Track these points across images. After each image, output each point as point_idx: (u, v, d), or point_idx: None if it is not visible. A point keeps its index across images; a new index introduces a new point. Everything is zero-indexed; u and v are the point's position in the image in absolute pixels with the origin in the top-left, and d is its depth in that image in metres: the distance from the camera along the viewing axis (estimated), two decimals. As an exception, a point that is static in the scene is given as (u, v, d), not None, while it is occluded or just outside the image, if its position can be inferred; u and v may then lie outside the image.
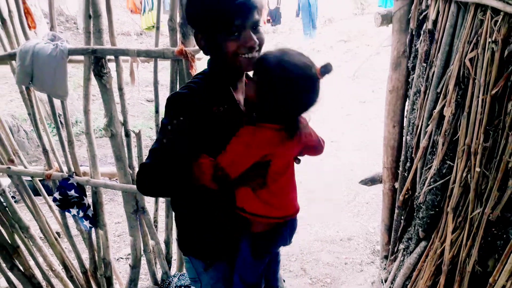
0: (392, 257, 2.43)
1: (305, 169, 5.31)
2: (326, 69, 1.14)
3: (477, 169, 1.59)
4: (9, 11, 2.23)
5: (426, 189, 1.92)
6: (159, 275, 2.90)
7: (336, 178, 5.08)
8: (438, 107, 1.83)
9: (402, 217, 2.29)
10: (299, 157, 1.35)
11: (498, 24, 1.44)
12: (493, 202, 1.53)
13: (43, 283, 2.96)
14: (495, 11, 1.46)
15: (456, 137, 1.74)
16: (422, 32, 1.93)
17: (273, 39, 13.66)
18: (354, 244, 3.74)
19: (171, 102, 1.21)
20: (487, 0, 1.48)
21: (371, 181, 2.56)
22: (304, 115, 1.22)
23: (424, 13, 1.91)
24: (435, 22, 1.83)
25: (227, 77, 1.27)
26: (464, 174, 1.69)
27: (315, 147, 1.34)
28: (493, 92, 1.49)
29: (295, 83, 1.10)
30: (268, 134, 1.16)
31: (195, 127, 1.16)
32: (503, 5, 1.40)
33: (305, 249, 3.67)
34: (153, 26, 6.88)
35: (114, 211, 4.54)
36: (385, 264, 2.55)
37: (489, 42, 1.49)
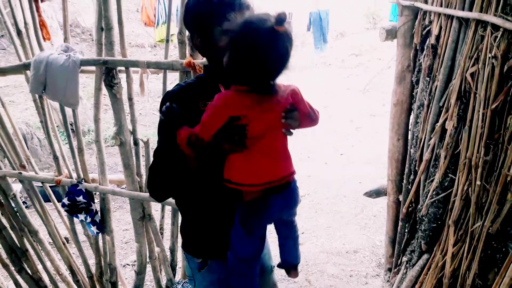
0: (395, 270, 2.43)
1: (313, 181, 5.37)
2: (280, 17, 1.10)
3: (478, 182, 1.60)
4: (25, 23, 2.31)
5: (429, 201, 1.93)
6: (163, 282, 2.92)
7: (344, 190, 5.07)
8: (440, 121, 1.85)
9: (406, 230, 2.30)
10: (291, 130, 1.28)
11: (497, 39, 1.46)
12: (492, 215, 1.53)
13: (50, 287, 3.01)
14: (495, 27, 1.49)
15: (458, 150, 1.75)
16: (425, 47, 1.96)
17: (284, 53, 13.76)
18: (360, 256, 3.72)
19: (162, 99, 1.30)
20: (487, 17, 1.50)
21: (376, 193, 2.57)
22: (283, 79, 1.20)
23: (427, 29, 1.94)
24: (438, 37, 1.86)
25: (219, 75, 1.30)
26: (465, 188, 1.70)
27: (306, 115, 1.30)
28: (493, 106, 1.51)
29: (251, 37, 1.09)
30: (236, 96, 1.15)
31: (184, 121, 1.21)
32: (502, 21, 1.42)
33: (311, 261, 3.66)
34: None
35: (123, 218, 4.60)
36: (389, 277, 2.55)
37: (489, 57, 1.51)
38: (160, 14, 7.31)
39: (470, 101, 1.66)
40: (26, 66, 2.34)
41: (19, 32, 2.31)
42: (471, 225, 1.68)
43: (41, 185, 2.75)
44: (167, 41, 2.33)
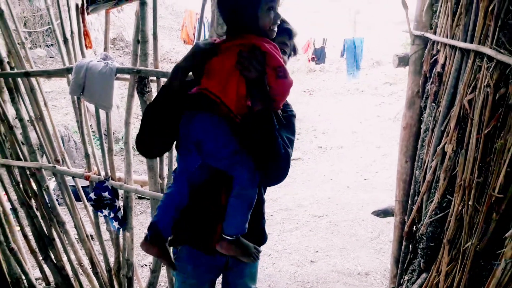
0: (395, 286, 2.48)
1: (333, 203, 5.43)
2: None
3: (470, 203, 1.68)
4: (71, 32, 2.59)
5: (427, 221, 2.01)
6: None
7: (363, 214, 5.11)
8: (441, 144, 1.94)
9: (409, 250, 2.36)
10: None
11: (491, 69, 1.57)
12: (479, 234, 1.61)
13: (72, 277, 3.22)
14: (490, 58, 1.60)
15: (455, 172, 1.84)
16: (432, 75, 2.07)
17: (319, 77, 13.98)
18: (371, 279, 3.75)
19: (189, 52, 1.46)
20: (483, 48, 1.61)
21: (384, 213, 2.65)
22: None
23: (435, 57, 2.06)
24: (443, 66, 1.97)
25: None
26: (460, 208, 1.78)
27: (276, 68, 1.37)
28: (486, 131, 1.60)
29: None
30: None
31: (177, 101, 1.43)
32: (495, 53, 1.53)
33: (321, 278, 3.73)
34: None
35: (146, 222, 4.82)
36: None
37: (484, 86, 1.61)
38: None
39: (467, 126, 1.76)
40: (68, 70, 2.60)
41: (65, 40, 2.59)
42: (463, 244, 1.75)
43: (74, 184, 3.00)
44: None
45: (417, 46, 2.21)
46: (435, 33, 2.07)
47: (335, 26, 15.88)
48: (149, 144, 1.53)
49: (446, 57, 1.94)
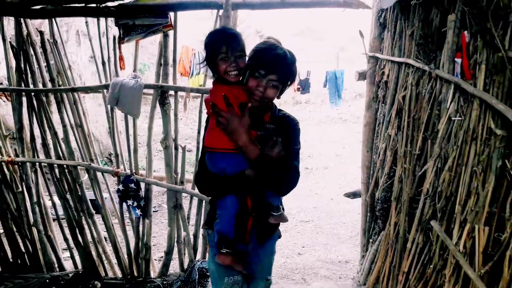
0: (364, 254, 3.16)
1: (318, 211, 6.09)
2: None
3: (405, 166, 2.41)
4: (108, 57, 3.33)
5: (381, 188, 2.73)
6: (185, 264, 3.68)
7: (344, 219, 5.80)
8: (388, 130, 2.69)
9: (372, 218, 3.06)
10: None
11: (413, 73, 2.35)
12: (411, 184, 2.33)
13: (97, 261, 3.80)
14: (413, 66, 2.37)
15: (396, 148, 2.58)
16: (381, 83, 2.85)
17: (304, 108, 14.92)
18: (350, 265, 4.38)
19: None
20: (409, 60, 2.39)
21: (353, 194, 3.35)
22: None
23: (382, 70, 2.84)
24: (388, 76, 2.75)
25: None
26: (400, 173, 2.50)
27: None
28: (413, 115, 2.36)
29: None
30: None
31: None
32: (415, 62, 2.31)
33: (308, 266, 4.35)
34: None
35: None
36: (361, 263, 3.27)
37: (410, 85, 2.38)
38: (195, 66, 8.45)
39: (403, 115, 2.52)
40: (105, 86, 3.33)
41: (103, 63, 3.33)
42: (403, 198, 2.47)
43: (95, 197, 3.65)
44: (206, 76, 3.32)
45: (371, 64, 3.00)
46: (382, 53, 2.86)
47: (320, 62, 16.92)
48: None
49: (389, 70, 2.72)
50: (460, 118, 1.86)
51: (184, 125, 11.72)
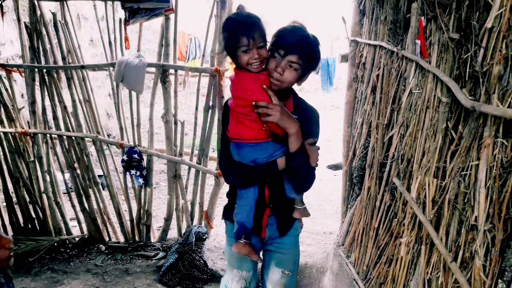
0: (343, 220, 3.53)
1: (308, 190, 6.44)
2: (238, 9, 1.60)
3: (377, 136, 2.77)
4: (115, 37, 3.65)
5: (358, 157, 3.09)
6: (183, 230, 4.04)
7: (331, 196, 6.18)
8: (364, 106, 3.04)
9: (351, 187, 3.42)
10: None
11: (384, 54, 2.69)
12: (380, 151, 2.69)
13: (101, 226, 4.15)
14: (385, 48, 2.71)
15: (370, 121, 2.94)
16: (360, 65, 3.20)
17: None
18: (334, 236, 4.75)
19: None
20: (382, 43, 2.73)
21: (335, 166, 3.72)
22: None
23: (361, 53, 3.18)
24: (365, 58, 3.10)
25: None
26: (374, 143, 2.86)
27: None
28: (385, 90, 2.71)
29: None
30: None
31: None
32: (386, 44, 2.65)
33: (294, 236, 4.72)
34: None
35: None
36: (341, 227, 3.64)
37: (382, 64, 2.73)
38: (191, 51, 8.70)
39: (376, 91, 2.87)
40: (112, 64, 3.65)
41: (110, 43, 3.64)
42: (375, 166, 2.83)
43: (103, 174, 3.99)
44: (203, 55, 3.64)
45: (352, 47, 3.34)
46: (362, 38, 3.20)
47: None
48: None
49: (367, 52, 3.06)
50: (419, 91, 2.21)
51: (179, 110, 12.14)
